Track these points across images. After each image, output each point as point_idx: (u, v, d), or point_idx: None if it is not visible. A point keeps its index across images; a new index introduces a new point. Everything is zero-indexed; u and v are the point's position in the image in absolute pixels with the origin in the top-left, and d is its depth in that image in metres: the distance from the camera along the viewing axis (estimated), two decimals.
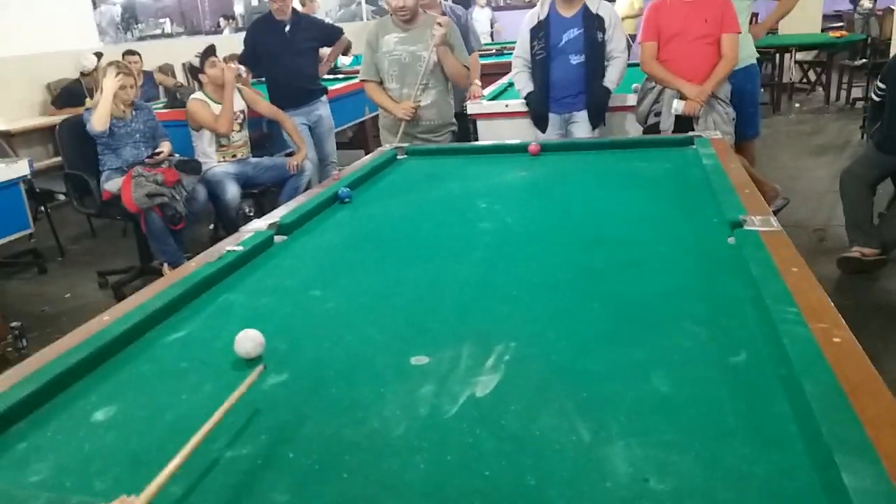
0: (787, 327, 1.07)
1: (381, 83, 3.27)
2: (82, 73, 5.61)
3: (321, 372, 1.13)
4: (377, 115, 3.53)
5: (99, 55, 5.67)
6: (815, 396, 0.89)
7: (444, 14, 3.57)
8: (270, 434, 0.96)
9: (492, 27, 10.53)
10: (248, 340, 1.15)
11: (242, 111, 3.91)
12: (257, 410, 1.03)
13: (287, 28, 4.10)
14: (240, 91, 3.93)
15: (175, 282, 1.48)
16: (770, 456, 0.84)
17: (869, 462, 0.76)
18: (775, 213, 2.46)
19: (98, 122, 3.46)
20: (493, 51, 7.08)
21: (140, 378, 1.16)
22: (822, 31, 8.15)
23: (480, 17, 9.59)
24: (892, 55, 3.76)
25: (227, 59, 3.89)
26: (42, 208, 4.60)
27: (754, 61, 3.71)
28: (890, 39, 6.20)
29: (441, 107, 3.27)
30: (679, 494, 0.79)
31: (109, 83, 3.48)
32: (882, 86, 3.47)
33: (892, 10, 7.15)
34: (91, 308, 3.19)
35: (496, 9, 11.87)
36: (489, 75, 4.67)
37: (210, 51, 3.79)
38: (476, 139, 3.68)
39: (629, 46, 3.35)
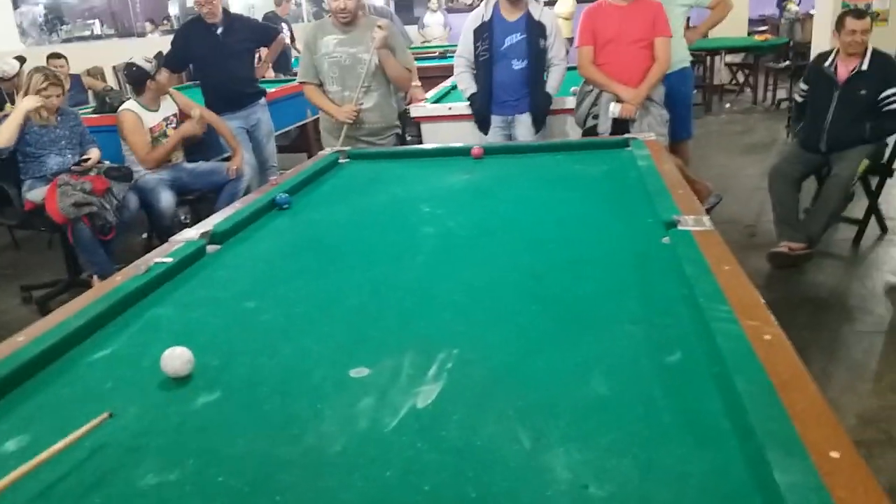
0: (719, 325, 1.09)
1: (320, 85, 3.22)
2: (2, 79, 5.31)
3: (255, 388, 1.09)
4: (318, 119, 3.47)
5: (21, 59, 5.39)
6: (747, 393, 0.90)
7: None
8: (199, 457, 0.92)
9: (444, 30, 10.55)
10: (175, 359, 1.10)
11: (175, 114, 3.78)
12: (185, 433, 0.98)
13: (219, 31, 3.98)
14: (171, 95, 3.80)
15: (99, 297, 1.40)
16: (705, 455, 0.85)
17: (798, 457, 0.78)
18: (708, 210, 2.54)
19: (1, 139, 3.26)
20: (437, 53, 7.08)
21: (58, 402, 1.09)
22: (749, 34, 8.50)
23: (431, 22, 9.59)
24: (811, 58, 3.93)
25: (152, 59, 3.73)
26: None
27: (688, 64, 3.84)
28: (810, 43, 6.51)
29: (384, 109, 3.24)
30: (617, 499, 0.79)
31: (26, 103, 3.29)
32: (804, 87, 3.63)
33: (812, 15, 7.51)
34: (14, 325, 3.00)
35: (451, 11, 11.89)
36: (432, 78, 4.67)
37: (161, 58, 3.66)
38: (407, 142, 3.67)
39: (567, 52, 3.40)
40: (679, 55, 3.63)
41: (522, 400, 1.00)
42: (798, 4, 8.95)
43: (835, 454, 0.79)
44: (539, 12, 3.20)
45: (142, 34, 9.12)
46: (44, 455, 0.88)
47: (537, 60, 3.20)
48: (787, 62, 7.32)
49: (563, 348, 1.15)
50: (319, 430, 0.96)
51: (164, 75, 3.68)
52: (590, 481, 0.82)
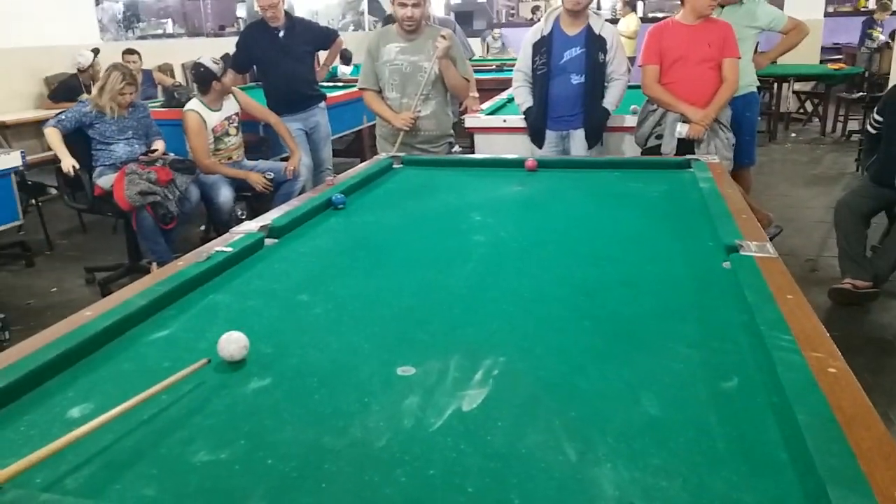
0: (780, 354, 1.06)
1: (379, 92, 3.27)
2: (79, 69, 5.59)
3: (305, 378, 1.10)
4: (374, 125, 3.52)
5: (96, 51, 5.65)
6: (809, 426, 0.87)
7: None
8: (249, 439, 0.94)
9: (484, 42, 10.67)
10: (232, 343, 1.13)
11: (237, 113, 3.89)
12: (237, 415, 1.00)
13: (281, 34, 4.07)
14: (233, 94, 3.92)
15: (161, 280, 1.45)
16: (759, 484, 0.83)
17: (862, 496, 0.75)
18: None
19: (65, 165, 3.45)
20: (493, 66, 7.11)
21: (120, 376, 1.13)
22: (821, 62, 8.24)
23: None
24: (888, 88, 3.78)
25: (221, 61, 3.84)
26: (33, 201, 4.55)
27: (754, 89, 3.75)
28: (888, 74, 6.27)
29: (440, 118, 3.27)
30: None
31: (63, 154, 3.44)
32: (879, 118, 3.49)
33: (891, 45, 7.24)
34: (77, 303, 3.14)
35: (497, 25, 12.00)
36: (488, 90, 4.69)
37: (228, 60, 3.77)
38: (452, 152, 3.67)
39: (629, 69, 3.37)
40: (746, 79, 3.55)
41: (569, 413, 0.99)
42: (882, 34, 8.64)
43: None
44: (600, 26, 3.17)
45: (211, 34, 9.44)
46: (140, 397, 0.98)
47: (595, 75, 3.16)
48: (862, 93, 7.06)
49: (613, 366, 1.13)
50: (366, 424, 0.97)
51: (229, 76, 3.78)
52: (637, 499, 0.80)
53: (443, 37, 3.04)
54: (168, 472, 0.87)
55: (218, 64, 3.71)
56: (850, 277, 3.25)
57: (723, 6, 3.62)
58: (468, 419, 0.98)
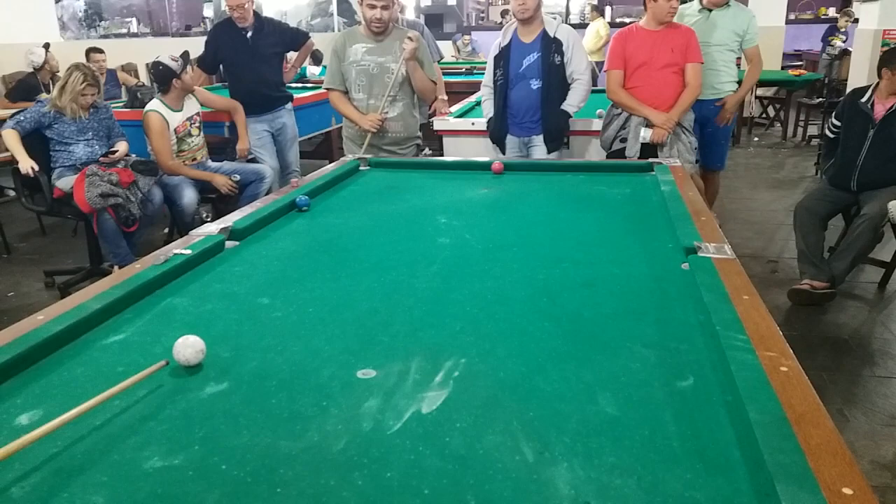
0: (735, 354, 1.08)
1: (345, 93, 3.25)
2: (35, 68, 5.45)
3: (263, 382, 1.09)
4: (342, 126, 3.50)
5: (46, 45, 5.49)
6: (760, 424, 0.89)
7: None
8: (204, 445, 0.92)
9: (455, 45, 10.70)
10: (189, 347, 1.11)
11: (198, 114, 3.83)
12: (192, 420, 0.98)
13: (249, 34, 4.02)
14: (193, 94, 3.86)
15: (118, 283, 1.42)
16: (713, 482, 0.84)
17: (809, 492, 0.76)
18: None
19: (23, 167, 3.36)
20: (463, 69, 7.14)
21: (72, 381, 1.10)
22: (782, 68, 8.45)
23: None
24: (845, 94, 3.89)
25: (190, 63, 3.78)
26: None
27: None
28: (846, 80, 6.46)
29: (407, 120, 3.27)
30: None
31: (21, 156, 3.36)
32: (837, 123, 3.59)
33: (849, 51, 7.45)
34: (35, 308, 3.05)
35: (467, 29, 12.05)
36: (457, 93, 4.71)
37: (187, 57, 3.70)
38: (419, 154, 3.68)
39: (595, 73, 3.41)
40: (729, 85, 3.61)
41: (528, 413, 0.99)
42: (844, 42, 8.88)
43: (848, 490, 0.77)
44: (554, 28, 3.19)
45: (177, 34, 9.28)
46: (94, 400, 0.97)
47: (551, 78, 3.17)
48: (821, 98, 7.25)
49: (572, 366, 1.13)
50: (323, 427, 0.96)
51: (188, 75, 3.69)
52: (592, 498, 0.81)
53: (409, 38, 3.04)
54: (119, 479, 0.85)
55: (177, 61, 3.64)
56: (809, 278, 3.33)
57: (710, 10, 3.67)
58: (427, 421, 0.97)
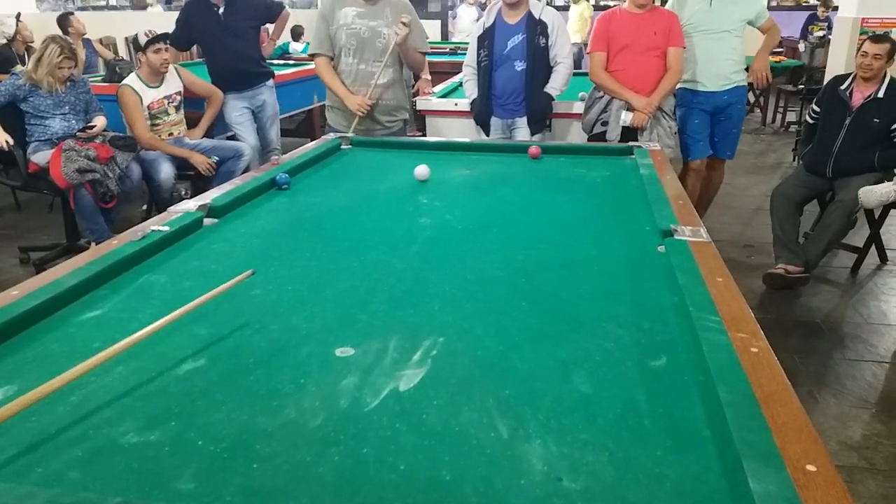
0: (707, 335, 1.10)
1: (332, 59, 3.18)
2: (7, 39, 5.31)
3: (240, 359, 1.09)
4: (325, 105, 3.45)
5: (17, 15, 5.36)
6: (730, 403, 0.91)
7: None
8: (180, 420, 0.92)
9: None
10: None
11: (178, 92, 3.78)
12: (169, 396, 0.99)
13: (221, 10, 3.92)
14: (177, 71, 3.80)
15: (94, 259, 1.41)
16: (682, 459, 0.86)
17: (774, 468, 0.78)
18: None
19: None
20: (447, 49, 7.08)
21: (47, 357, 1.10)
22: None
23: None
24: (826, 81, 3.93)
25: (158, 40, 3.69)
26: None
27: (745, 83, 3.72)
28: (825, 68, 6.52)
29: (396, 89, 3.23)
30: (591, 494, 0.80)
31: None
32: (817, 109, 3.63)
33: (829, 39, 7.51)
34: (9, 284, 3.01)
35: (451, 7, 11.90)
36: (441, 73, 4.67)
37: (160, 38, 3.62)
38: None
39: (580, 56, 3.39)
40: (738, 75, 3.61)
41: (503, 391, 1.00)
42: (824, 31, 8.94)
43: (811, 468, 0.79)
44: (540, 10, 3.16)
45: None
46: (188, 306, 1.08)
47: (536, 60, 3.16)
48: (801, 85, 7.31)
49: (548, 345, 1.15)
50: (301, 404, 0.97)
51: (159, 55, 3.59)
52: (564, 474, 0.82)
53: (403, 23, 2.99)
54: (94, 454, 0.86)
55: (148, 37, 3.57)
56: (784, 263, 3.39)
57: None
58: (405, 398, 0.98)
